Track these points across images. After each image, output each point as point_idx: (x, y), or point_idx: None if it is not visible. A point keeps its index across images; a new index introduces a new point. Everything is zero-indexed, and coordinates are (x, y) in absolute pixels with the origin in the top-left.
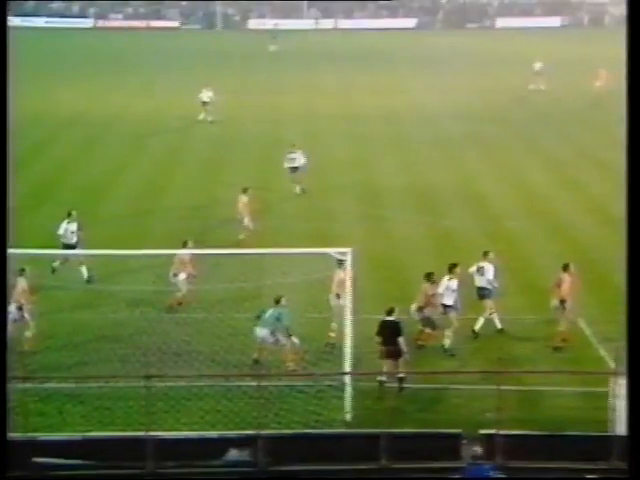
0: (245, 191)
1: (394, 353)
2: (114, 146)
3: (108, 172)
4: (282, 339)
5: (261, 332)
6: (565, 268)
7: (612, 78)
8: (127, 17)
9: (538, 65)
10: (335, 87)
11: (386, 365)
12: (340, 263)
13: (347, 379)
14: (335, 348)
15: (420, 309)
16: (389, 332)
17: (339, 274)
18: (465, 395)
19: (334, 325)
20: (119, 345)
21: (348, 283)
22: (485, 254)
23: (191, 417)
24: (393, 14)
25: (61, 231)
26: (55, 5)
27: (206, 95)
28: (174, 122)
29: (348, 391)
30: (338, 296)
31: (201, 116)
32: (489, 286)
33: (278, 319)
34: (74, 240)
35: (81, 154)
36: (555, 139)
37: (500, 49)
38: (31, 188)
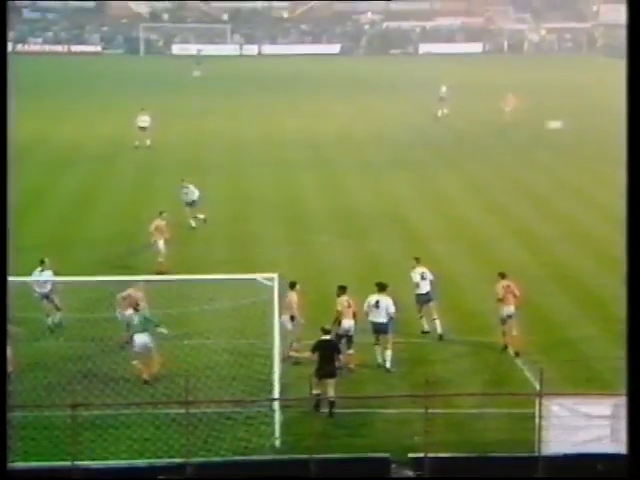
0: (160, 214)
1: (329, 372)
2: (33, 172)
3: (27, 200)
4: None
5: (141, 338)
6: (503, 276)
7: (522, 101)
8: (47, 41)
9: (443, 90)
10: (259, 112)
11: (319, 385)
12: (292, 285)
13: (275, 405)
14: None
15: (338, 322)
16: (326, 351)
17: (292, 296)
18: (393, 419)
19: (296, 345)
20: (44, 373)
21: (275, 308)
22: (381, 287)
23: (119, 446)
24: (317, 40)
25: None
26: None
27: (142, 120)
28: (97, 147)
29: (277, 417)
30: (292, 318)
31: (137, 142)
32: (385, 320)
33: (146, 319)
34: (47, 289)
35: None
36: (472, 161)
37: (421, 74)
38: None
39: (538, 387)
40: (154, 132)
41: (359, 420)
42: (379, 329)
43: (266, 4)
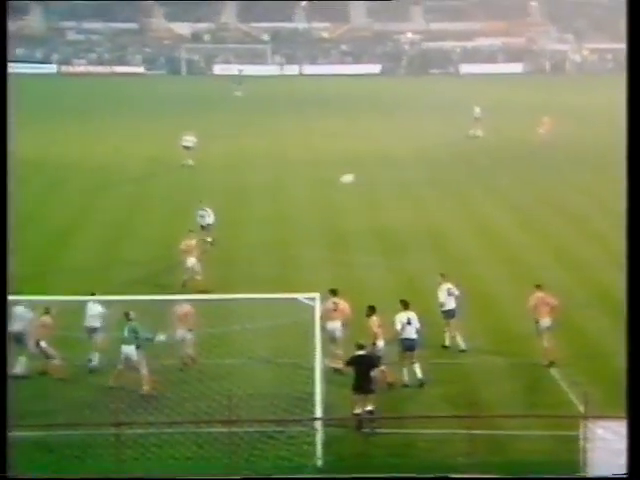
0: (190, 232)
1: (366, 388)
2: (76, 194)
3: (70, 222)
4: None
5: (126, 349)
6: (538, 288)
7: (558, 124)
8: (91, 63)
9: (477, 110)
10: (300, 132)
11: (357, 401)
12: (334, 292)
13: (318, 424)
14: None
15: (373, 343)
16: (362, 366)
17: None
18: (435, 439)
19: (339, 352)
20: (88, 392)
21: (317, 329)
22: (406, 304)
23: (161, 464)
24: (357, 60)
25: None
26: (18, 51)
27: (187, 140)
28: (139, 168)
29: (319, 436)
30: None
31: (184, 161)
32: (416, 336)
33: (135, 331)
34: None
35: (42, 203)
36: (507, 181)
37: (461, 94)
38: None
39: (582, 409)
40: (197, 152)
41: (400, 440)
42: (411, 346)
43: (307, 25)
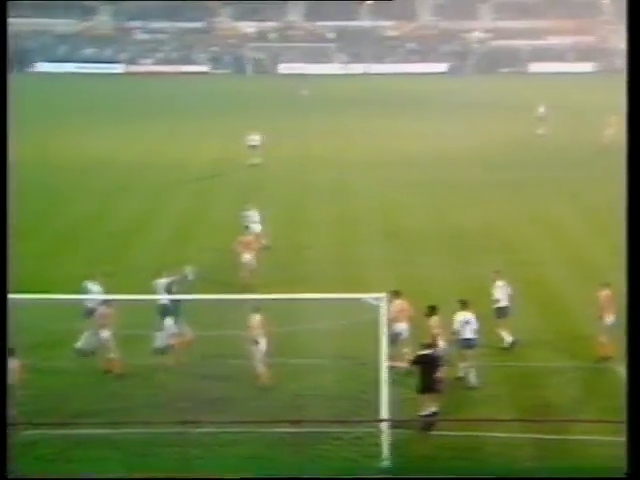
0: (246, 228)
1: (431, 387)
2: (143, 193)
3: (136, 220)
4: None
5: (168, 321)
6: (605, 286)
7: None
8: (157, 62)
9: (541, 110)
10: (365, 131)
11: (423, 401)
12: (397, 294)
13: (383, 426)
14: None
15: (434, 345)
16: (427, 365)
17: (402, 304)
18: (502, 443)
19: (406, 352)
20: (154, 391)
21: (383, 328)
22: (464, 304)
23: (226, 464)
24: (424, 59)
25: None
26: (87, 51)
27: (253, 139)
28: (205, 167)
29: (385, 438)
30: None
31: (250, 160)
32: (474, 336)
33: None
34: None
35: (110, 200)
36: (573, 181)
37: (529, 93)
38: (56, 236)
39: None
40: (263, 151)
41: (467, 443)
42: (468, 345)
43: (372, 23)
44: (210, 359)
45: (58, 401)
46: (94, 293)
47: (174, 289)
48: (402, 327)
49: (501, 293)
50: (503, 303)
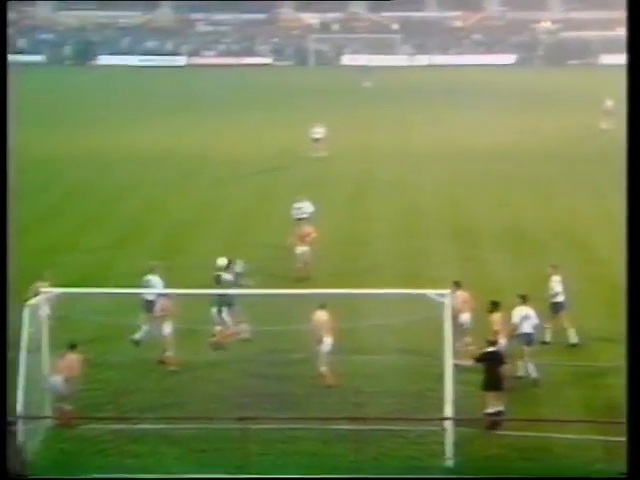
0: (299, 220)
1: (497, 385)
2: (205, 186)
3: (198, 212)
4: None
5: (212, 311)
6: None
7: None
8: (219, 54)
9: (609, 103)
10: (429, 124)
11: (489, 399)
12: (457, 284)
13: (448, 424)
14: None
15: (494, 342)
16: (492, 363)
17: (463, 295)
18: (572, 444)
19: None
20: (214, 386)
21: (448, 324)
22: (524, 298)
23: (286, 460)
24: (490, 50)
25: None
26: (149, 44)
27: (317, 132)
28: (267, 160)
29: (449, 436)
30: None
31: (313, 153)
32: (533, 331)
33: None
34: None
35: (172, 192)
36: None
37: (599, 86)
38: (117, 229)
39: None
40: (326, 144)
41: (535, 443)
42: (527, 341)
43: (438, 14)
44: (270, 354)
45: (116, 396)
46: (154, 286)
47: (222, 281)
48: (465, 318)
49: (558, 288)
50: (559, 298)
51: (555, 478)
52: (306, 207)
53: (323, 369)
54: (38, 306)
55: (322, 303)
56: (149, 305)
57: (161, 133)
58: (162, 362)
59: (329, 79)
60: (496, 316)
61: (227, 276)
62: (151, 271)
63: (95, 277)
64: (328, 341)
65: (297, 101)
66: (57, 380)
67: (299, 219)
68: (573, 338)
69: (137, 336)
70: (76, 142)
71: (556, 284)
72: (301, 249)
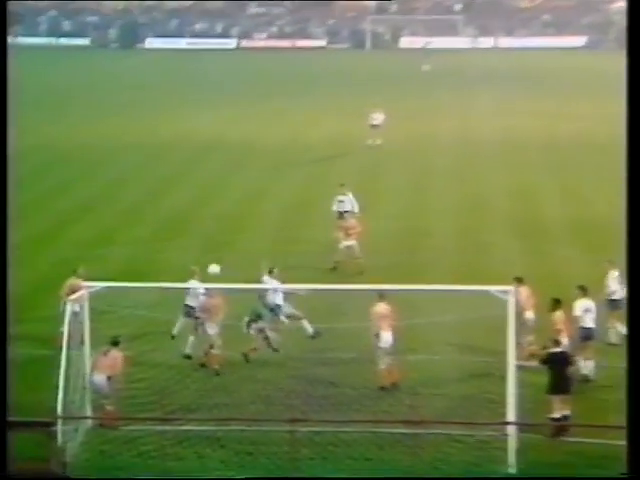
0: (343, 213)
1: (564, 388)
2: (254, 175)
3: (245, 203)
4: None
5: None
6: None
7: None
8: (272, 37)
9: None
10: (492, 110)
11: (555, 403)
12: (518, 280)
13: (511, 429)
14: None
15: (558, 343)
16: (558, 364)
17: (525, 291)
18: None
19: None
20: (262, 386)
21: (511, 324)
22: (584, 290)
23: (338, 465)
24: (560, 32)
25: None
26: (198, 26)
27: (375, 117)
28: (320, 148)
29: (511, 442)
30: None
31: (370, 140)
32: (594, 325)
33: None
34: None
35: (220, 182)
36: None
37: None
38: (166, 218)
39: None
40: (383, 131)
41: (603, 451)
42: (588, 335)
43: None
44: (321, 353)
45: (160, 395)
46: (197, 293)
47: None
48: (528, 315)
49: (614, 285)
50: (617, 295)
51: (555, 478)
52: (348, 200)
53: (382, 367)
54: (79, 301)
55: (381, 294)
56: (189, 312)
57: (209, 119)
58: (205, 363)
59: (386, 63)
60: (558, 314)
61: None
62: (191, 276)
63: (137, 271)
64: (387, 336)
65: (352, 86)
66: (99, 379)
67: (339, 213)
68: (616, 338)
69: (187, 351)
70: (121, 129)
71: (612, 280)
72: (346, 243)
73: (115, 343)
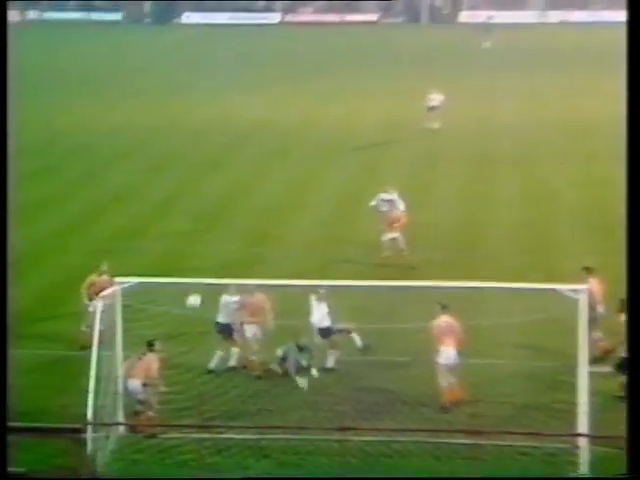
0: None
1: None
2: (301, 162)
3: (290, 194)
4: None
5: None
6: None
7: None
8: (318, 10)
9: None
10: (562, 92)
11: None
12: (588, 270)
13: (583, 442)
14: None
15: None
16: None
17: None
18: None
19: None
20: (309, 391)
21: (583, 326)
22: None
23: (391, 476)
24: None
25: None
26: (239, 2)
27: (433, 99)
28: (371, 132)
29: (584, 456)
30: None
31: (426, 124)
32: None
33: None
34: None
35: (262, 169)
36: None
37: None
38: (204, 209)
39: None
40: (442, 114)
41: None
42: None
43: None
44: (375, 355)
45: (197, 401)
46: (227, 309)
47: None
48: (599, 309)
49: None
50: None
51: (555, 478)
52: (393, 200)
53: (443, 384)
54: (109, 298)
55: (444, 305)
56: (223, 329)
57: (250, 101)
58: (245, 367)
59: (444, 39)
60: (624, 316)
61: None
62: (226, 291)
63: (172, 266)
64: (449, 353)
65: (406, 65)
66: (134, 384)
67: (384, 212)
68: None
69: (212, 365)
70: (155, 112)
71: None
72: (390, 235)
73: (150, 344)
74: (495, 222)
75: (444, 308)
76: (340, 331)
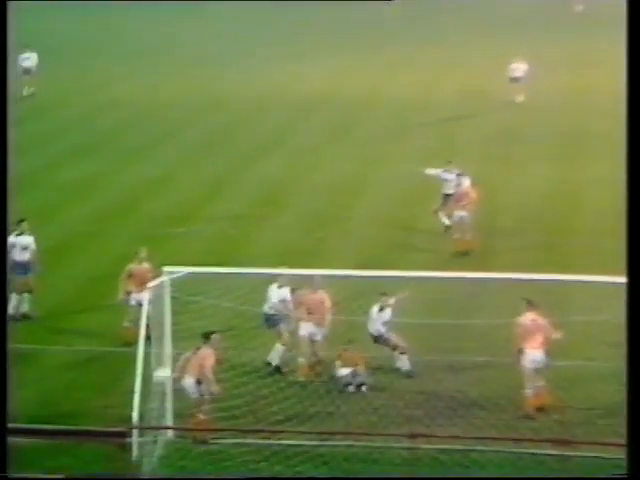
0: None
1: None
2: (369, 137)
3: (352, 175)
4: None
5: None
6: None
7: None
8: None
9: None
10: None
11: None
12: None
13: None
14: None
15: None
16: None
17: None
18: None
19: None
20: (375, 393)
21: None
22: None
23: None
24: None
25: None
26: None
27: (515, 68)
28: (447, 106)
29: None
30: None
31: (509, 97)
32: None
33: None
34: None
35: (326, 147)
36: None
37: None
38: (259, 191)
39: None
40: (527, 85)
41: None
42: None
43: None
44: (450, 354)
45: (248, 402)
46: (281, 299)
47: None
48: None
49: None
50: None
51: (555, 478)
52: (459, 179)
53: (527, 390)
54: (155, 289)
55: (531, 302)
56: (272, 321)
57: (310, 72)
58: (302, 372)
59: (528, 1)
60: None
61: None
62: (275, 282)
63: (223, 254)
64: (535, 355)
65: (485, 31)
66: (189, 382)
67: (445, 195)
68: None
69: (270, 358)
70: (205, 85)
71: None
72: (458, 214)
73: (206, 337)
74: (585, 206)
75: (530, 304)
76: (394, 347)
